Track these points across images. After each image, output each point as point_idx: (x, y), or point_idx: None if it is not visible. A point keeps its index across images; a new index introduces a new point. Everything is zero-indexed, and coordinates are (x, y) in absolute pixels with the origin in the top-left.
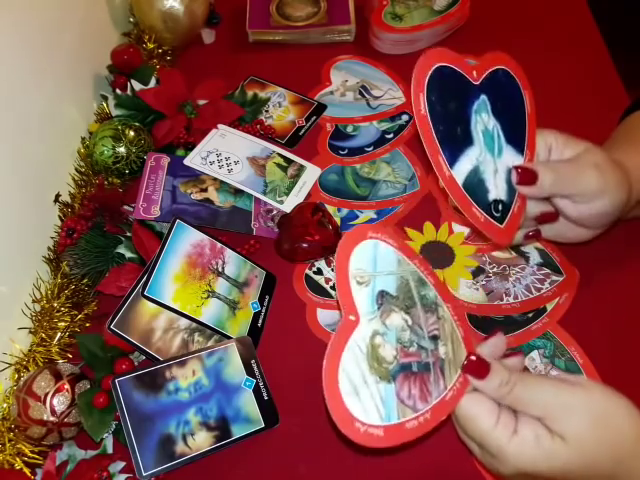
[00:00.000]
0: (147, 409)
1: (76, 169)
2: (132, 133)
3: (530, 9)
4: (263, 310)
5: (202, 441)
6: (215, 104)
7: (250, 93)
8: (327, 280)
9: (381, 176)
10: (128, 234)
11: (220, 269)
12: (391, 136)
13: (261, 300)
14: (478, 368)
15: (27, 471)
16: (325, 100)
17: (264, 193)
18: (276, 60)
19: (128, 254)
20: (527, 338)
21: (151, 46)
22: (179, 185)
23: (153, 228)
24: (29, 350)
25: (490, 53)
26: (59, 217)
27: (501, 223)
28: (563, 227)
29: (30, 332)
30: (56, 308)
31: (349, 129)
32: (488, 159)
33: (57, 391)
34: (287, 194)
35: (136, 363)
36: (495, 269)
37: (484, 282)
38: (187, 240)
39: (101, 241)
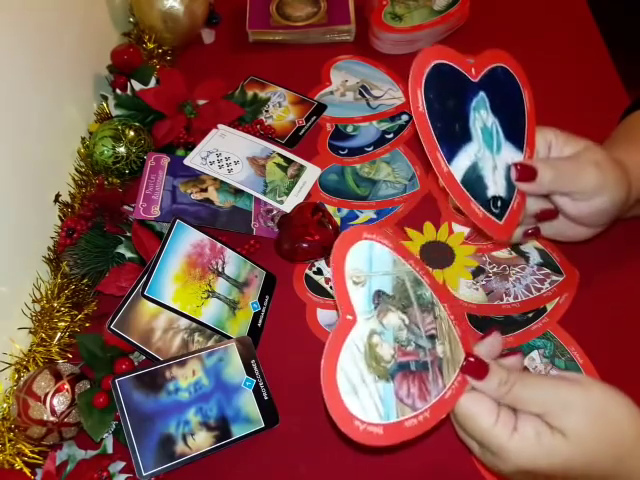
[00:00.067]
0: (147, 409)
1: (76, 169)
2: (132, 133)
3: (530, 9)
4: (263, 310)
5: (202, 441)
6: (215, 104)
7: (250, 93)
8: (327, 280)
9: (381, 176)
10: (128, 234)
11: (220, 269)
12: (391, 136)
13: (261, 300)
14: (477, 369)
15: (27, 471)
16: (325, 100)
17: (264, 193)
18: (276, 60)
19: (128, 254)
20: (527, 338)
21: (151, 46)
22: (179, 185)
23: (153, 228)
24: (29, 350)
25: (489, 50)
26: (59, 217)
27: (500, 219)
28: (562, 225)
29: (30, 332)
30: (56, 308)
31: (349, 129)
32: (487, 156)
33: (57, 391)
34: (287, 194)
35: (136, 363)
36: (495, 269)
37: (484, 282)
38: (187, 240)
39: (101, 241)
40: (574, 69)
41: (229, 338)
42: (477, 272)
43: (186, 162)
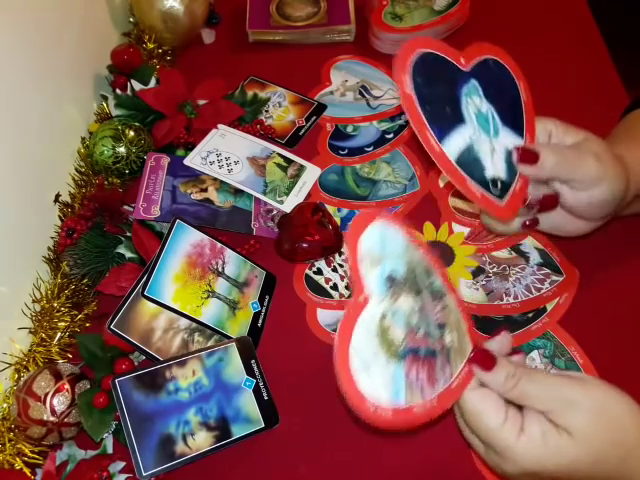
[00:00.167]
0: (147, 409)
1: (76, 169)
2: (132, 133)
3: (530, 9)
4: (263, 310)
5: (202, 441)
6: (215, 104)
7: (250, 93)
8: (327, 280)
9: (381, 176)
10: (128, 234)
11: (220, 269)
12: (391, 136)
13: (261, 300)
14: (485, 360)
15: (27, 471)
16: (325, 100)
17: (264, 193)
18: (276, 60)
19: (128, 254)
20: (527, 338)
21: (151, 46)
22: (179, 185)
23: (153, 228)
24: (29, 350)
25: (476, 43)
26: (59, 217)
27: (501, 200)
28: (561, 219)
29: (30, 332)
30: (56, 308)
31: (349, 129)
32: (483, 138)
33: (57, 391)
34: (287, 194)
35: (136, 363)
36: (495, 269)
37: (484, 282)
38: (187, 240)
39: (101, 241)
40: (574, 69)
41: (229, 338)
42: (477, 272)
43: (186, 162)
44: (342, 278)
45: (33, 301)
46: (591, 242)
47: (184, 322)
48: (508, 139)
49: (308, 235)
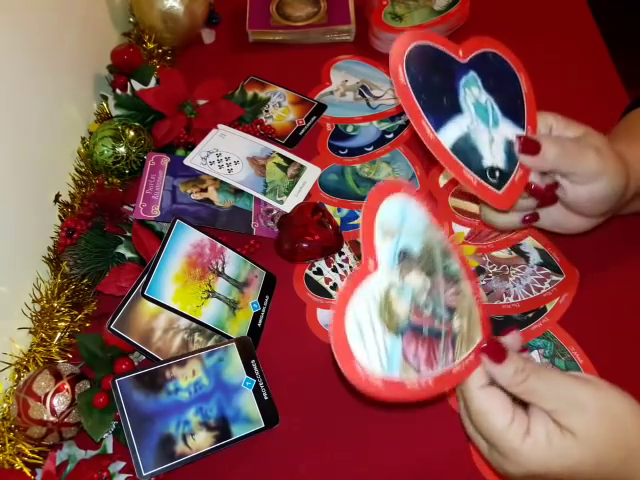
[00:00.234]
0: (147, 409)
1: (76, 169)
2: (132, 133)
3: (530, 9)
4: (263, 310)
5: (202, 441)
6: (215, 104)
7: (250, 93)
8: (327, 280)
9: (381, 176)
10: (128, 234)
11: (220, 269)
12: (391, 136)
13: (261, 300)
14: (496, 351)
15: (27, 471)
16: (325, 100)
17: (264, 193)
18: (276, 60)
19: (128, 254)
20: (527, 338)
21: (151, 46)
22: (179, 185)
23: (153, 228)
24: (29, 350)
25: (476, 37)
26: (59, 217)
27: (499, 189)
28: (561, 216)
29: (30, 332)
30: (56, 308)
31: (349, 129)
32: (481, 128)
33: (57, 391)
34: (287, 194)
35: (136, 363)
36: (495, 269)
37: (484, 282)
38: (187, 240)
39: (101, 241)
40: (574, 69)
41: (229, 338)
42: (477, 272)
43: (186, 162)
44: (342, 278)
45: (33, 301)
46: (591, 242)
47: (184, 322)
48: (508, 130)
49: (308, 235)
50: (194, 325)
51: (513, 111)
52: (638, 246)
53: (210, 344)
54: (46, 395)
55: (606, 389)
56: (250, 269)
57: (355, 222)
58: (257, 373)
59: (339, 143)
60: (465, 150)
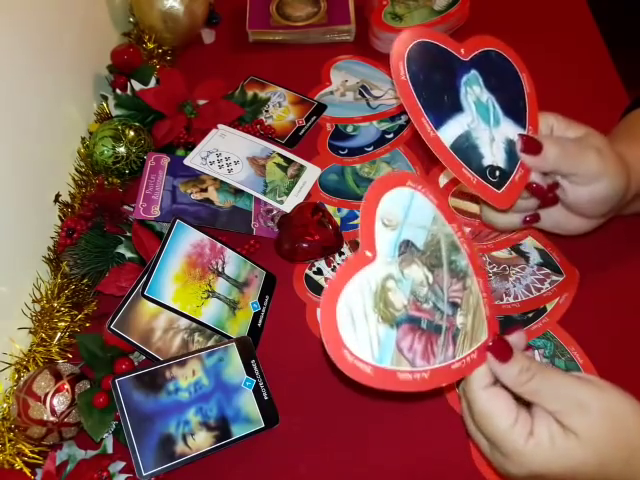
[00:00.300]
0: (147, 409)
1: (76, 169)
2: (132, 133)
3: (530, 9)
4: (263, 310)
5: (202, 441)
6: (215, 104)
7: (250, 93)
8: (327, 280)
9: None
10: (128, 234)
11: (220, 269)
12: (391, 136)
13: (261, 300)
14: (502, 350)
15: (27, 471)
16: (325, 100)
17: (264, 193)
18: (276, 60)
19: (128, 254)
20: (527, 338)
21: (151, 46)
22: (179, 185)
23: (153, 228)
24: (29, 350)
25: (478, 35)
26: (59, 217)
27: (499, 188)
28: (562, 217)
29: (30, 332)
30: (56, 308)
31: (349, 129)
32: (482, 127)
33: (57, 391)
34: (287, 194)
35: (136, 363)
36: (495, 269)
37: None
38: (187, 240)
39: (101, 241)
40: (574, 69)
41: (229, 338)
42: None
43: (186, 162)
44: None
45: (33, 301)
46: (591, 242)
47: (184, 322)
48: (509, 129)
49: (308, 235)
50: (194, 325)
51: (514, 111)
52: (638, 246)
53: (210, 344)
54: (46, 395)
55: (608, 390)
56: (250, 269)
57: (355, 222)
58: (257, 373)
59: (339, 143)
60: (465, 148)
